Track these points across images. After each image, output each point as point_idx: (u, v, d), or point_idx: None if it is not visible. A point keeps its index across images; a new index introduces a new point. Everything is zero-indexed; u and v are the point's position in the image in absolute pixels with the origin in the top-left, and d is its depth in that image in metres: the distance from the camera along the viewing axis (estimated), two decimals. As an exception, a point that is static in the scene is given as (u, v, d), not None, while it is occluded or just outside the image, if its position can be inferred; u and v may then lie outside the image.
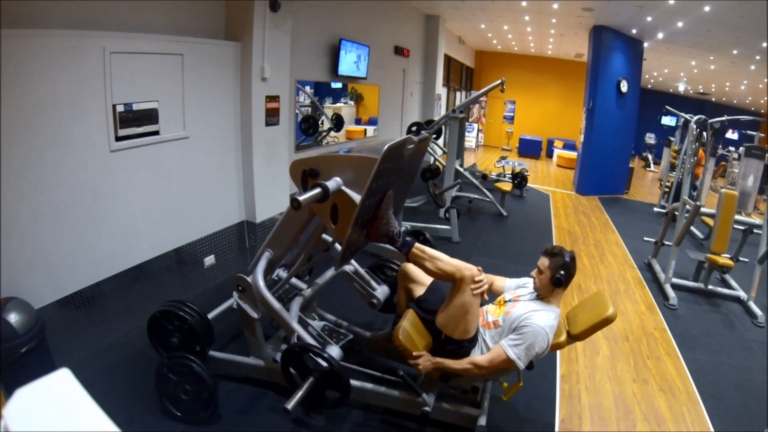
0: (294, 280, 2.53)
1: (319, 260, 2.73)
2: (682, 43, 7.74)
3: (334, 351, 2.00)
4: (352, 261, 2.52)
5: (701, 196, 6.23)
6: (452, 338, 1.94)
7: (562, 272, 1.86)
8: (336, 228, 1.81)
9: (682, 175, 6.74)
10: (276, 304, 2.02)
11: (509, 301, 2.02)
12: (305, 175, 1.81)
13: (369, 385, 2.15)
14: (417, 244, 1.94)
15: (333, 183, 1.71)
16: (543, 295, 1.94)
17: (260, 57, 3.64)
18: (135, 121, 2.86)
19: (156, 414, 2.12)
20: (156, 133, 3.03)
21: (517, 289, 2.08)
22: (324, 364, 1.83)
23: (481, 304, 2.13)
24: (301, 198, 1.59)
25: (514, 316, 1.90)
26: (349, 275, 2.51)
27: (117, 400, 2.14)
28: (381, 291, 2.46)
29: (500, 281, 2.17)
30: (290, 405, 1.76)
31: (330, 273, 2.55)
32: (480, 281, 1.88)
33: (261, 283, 2.04)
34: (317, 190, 1.65)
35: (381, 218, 1.89)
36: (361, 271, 2.51)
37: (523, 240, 5.33)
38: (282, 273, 2.54)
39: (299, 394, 1.80)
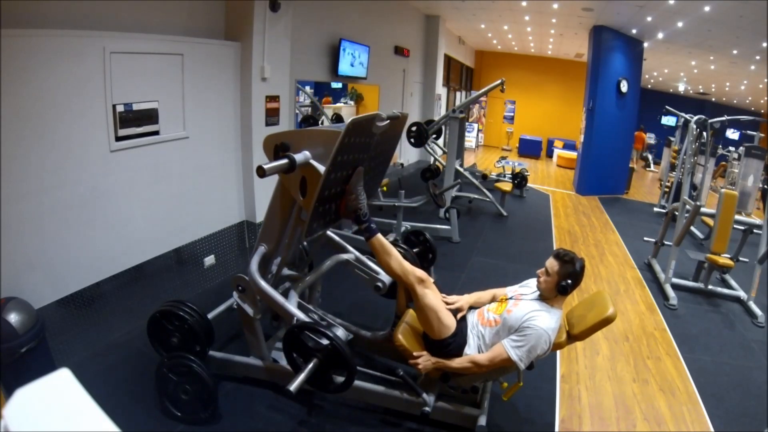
0: (292, 274, 2.53)
1: (317, 254, 2.72)
2: (682, 43, 7.74)
3: (339, 331, 1.99)
4: (352, 249, 2.54)
5: (701, 196, 6.23)
6: (436, 339, 1.97)
7: (570, 281, 1.85)
8: (304, 200, 1.86)
9: (682, 175, 6.74)
10: (272, 291, 2.01)
11: (511, 298, 2.02)
12: (277, 149, 1.87)
13: (369, 385, 2.14)
14: (379, 236, 2.01)
15: (301, 155, 1.78)
16: (546, 297, 1.93)
17: (260, 57, 3.65)
18: (135, 121, 2.86)
19: (156, 414, 2.12)
20: (156, 133, 3.03)
21: (519, 288, 2.08)
22: (325, 341, 1.79)
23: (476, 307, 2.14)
24: (266, 166, 1.65)
25: (516, 315, 1.89)
26: (350, 263, 2.49)
27: (117, 400, 2.14)
28: (385, 274, 2.42)
29: (501, 291, 2.18)
30: (293, 386, 1.73)
31: (328, 262, 2.52)
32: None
33: (255, 271, 2.04)
34: (284, 161, 1.72)
35: (350, 193, 1.98)
36: (362, 257, 2.50)
37: (523, 240, 5.33)
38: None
39: (302, 375, 1.77)
